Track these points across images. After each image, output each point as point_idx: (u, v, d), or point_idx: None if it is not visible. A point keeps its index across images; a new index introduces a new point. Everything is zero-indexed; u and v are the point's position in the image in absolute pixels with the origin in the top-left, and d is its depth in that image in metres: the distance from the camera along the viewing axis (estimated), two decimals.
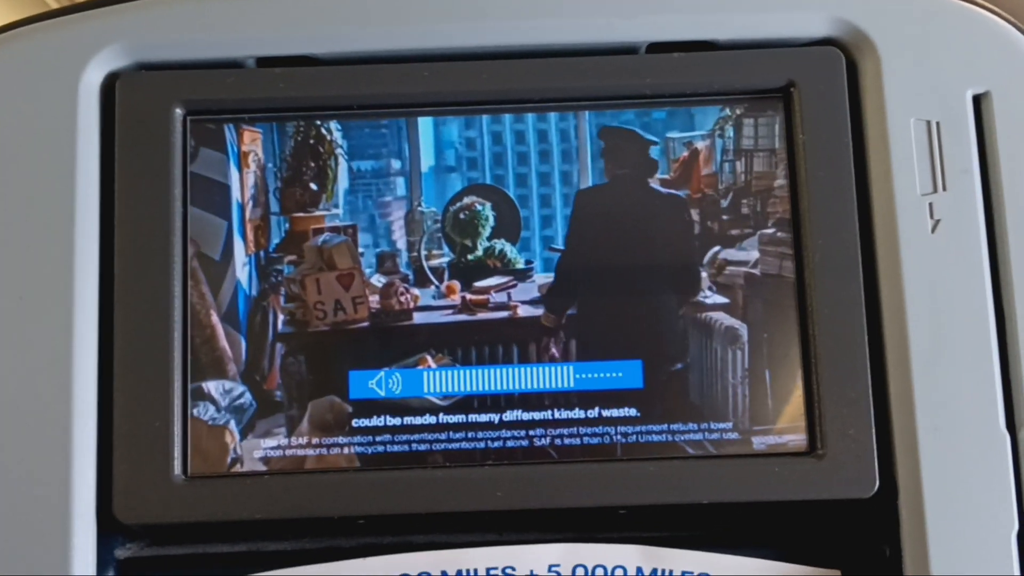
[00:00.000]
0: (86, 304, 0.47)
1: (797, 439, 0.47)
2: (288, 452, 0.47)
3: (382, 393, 0.48)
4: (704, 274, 0.48)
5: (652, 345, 0.48)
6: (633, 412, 0.48)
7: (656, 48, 0.50)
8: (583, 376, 0.48)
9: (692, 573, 0.47)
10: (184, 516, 0.46)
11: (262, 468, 0.47)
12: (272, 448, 0.47)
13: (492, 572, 0.47)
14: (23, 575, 0.45)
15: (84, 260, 0.47)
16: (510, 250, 0.49)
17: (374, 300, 0.48)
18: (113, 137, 0.48)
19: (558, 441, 0.47)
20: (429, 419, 0.48)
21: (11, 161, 0.48)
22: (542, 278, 0.49)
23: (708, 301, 0.48)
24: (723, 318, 0.48)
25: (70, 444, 0.46)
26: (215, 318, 0.48)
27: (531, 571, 0.47)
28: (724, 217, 0.49)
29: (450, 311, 0.48)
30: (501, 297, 0.48)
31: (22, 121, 0.48)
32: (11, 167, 0.48)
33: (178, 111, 0.49)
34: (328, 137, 0.49)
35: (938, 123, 0.48)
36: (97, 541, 0.46)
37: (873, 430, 0.46)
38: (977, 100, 0.49)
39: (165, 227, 0.48)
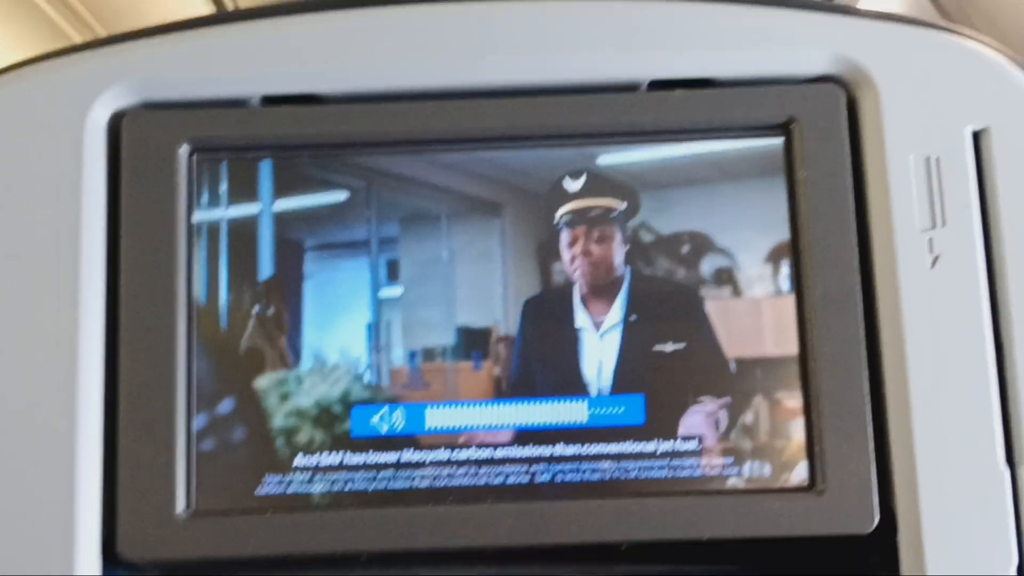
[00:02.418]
0: (91, 340, 0.47)
1: (797, 475, 0.47)
2: (291, 489, 0.48)
3: (384, 429, 0.48)
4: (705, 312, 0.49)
5: (654, 380, 0.48)
6: (634, 447, 0.48)
7: (657, 86, 0.50)
8: (595, 412, 0.48)
9: None
10: (188, 552, 0.47)
11: (266, 504, 0.48)
12: (276, 484, 0.48)
13: None
14: None
15: (89, 296, 0.48)
16: None
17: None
18: (119, 174, 0.49)
19: (559, 477, 0.48)
20: (431, 455, 0.48)
21: (18, 198, 0.48)
22: None
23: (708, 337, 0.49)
24: (722, 353, 0.49)
25: (74, 480, 0.46)
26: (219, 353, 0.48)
27: None
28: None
29: None
30: None
31: (30, 158, 0.48)
32: (18, 204, 0.48)
33: (183, 149, 0.49)
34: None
35: (938, 159, 0.49)
36: None
37: (873, 465, 0.47)
38: (976, 136, 0.49)
39: (170, 264, 0.48)
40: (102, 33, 1.41)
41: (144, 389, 0.47)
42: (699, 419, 0.48)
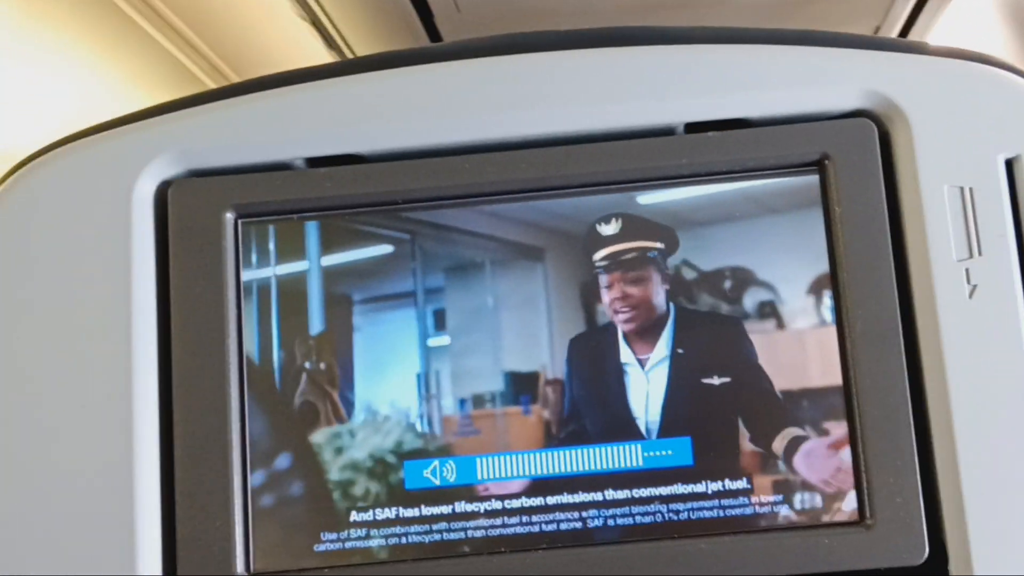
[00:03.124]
0: (146, 406, 0.48)
1: (846, 510, 0.48)
2: (348, 544, 0.48)
3: (437, 482, 0.49)
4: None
5: (702, 415, 0.49)
6: (683, 489, 0.48)
7: (692, 128, 0.51)
8: (648, 455, 0.49)
9: None
10: None
11: (324, 561, 0.48)
12: (333, 540, 0.48)
13: None
14: None
15: (142, 363, 0.48)
16: None
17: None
18: (167, 241, 0.50)
19: (611, 521, 0.48)
20: (484, 505, 0.48)
21: (69, 269, 0.49)
22: None
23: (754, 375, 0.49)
24: (768, 392, 0.49)
25: (135, 546, 0.47)
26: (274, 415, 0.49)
27: None
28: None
29: None
30: None
31: (80, 229, 0.49)
32: (70, 274, 0.49)
33: (229, 215, 0.50)
34: None
35: (971, 189, 0.49)
36: None
37: (921, 497, 0.47)
38: (1009, 164, 0.49)
39: (220, 329, 0.49)
40: (233, 77, 1.45)
41: (199, 451, 0.48)
42: (748, 458, 0.48)
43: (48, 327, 0.48)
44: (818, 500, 0.48)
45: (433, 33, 1.62)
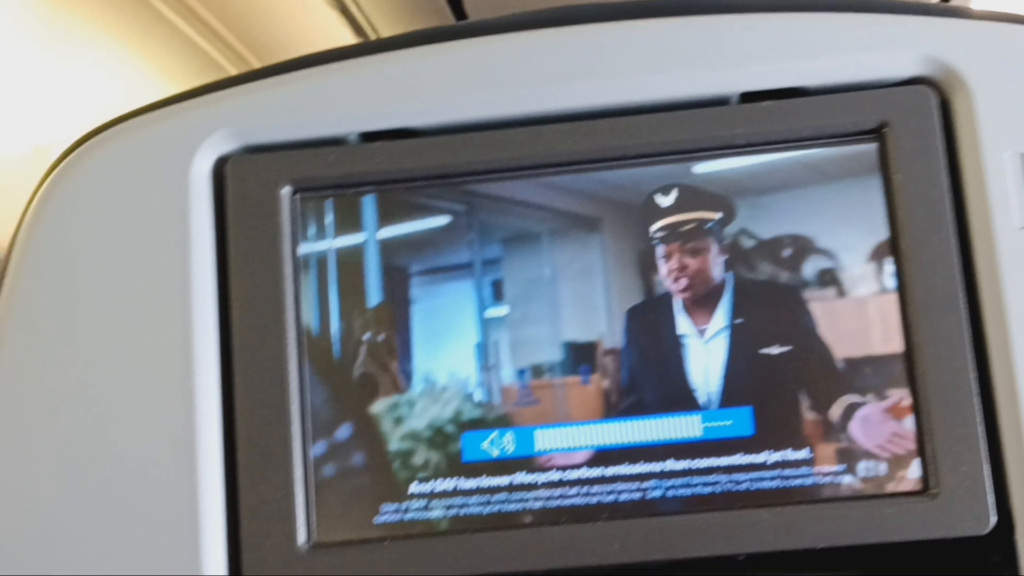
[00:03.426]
0: (207, 379, 0.48)
1: (909, 479, 0.47)
2: (408, 516, 0.48)
3: (495, 453, 0.48)
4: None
5: (762, 385, 0.49)
6: (744, 459, 0.48)
7: (748, 98, 0.50)
8: (708, 425, 0.48)
9: None
10: None
11: (385, 533, 0.48)
12: (393, 512, 0.48)
13: None
14: None
15: (202, 337, 0.48)
16: None
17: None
18: (225, 217, 0.50)
19: (671, 492, 0.48)
20: (543, 476, 0.48)
21: (129, 246, 0.49)
22: None
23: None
24: (829, 353, 0.49)
25: (198, 516, 0.47)
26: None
27: None
28: None
29: None
30: None
31: (138, 207, 0.49)
32: (129, 252, 0.49)
33: (286, 190, 0.50)
34: None
35: None
36: None
37: (987, 465, 0.47)
38: None
39: (279, 302, 0.49)
40: (254, 63, 1.46)
41: (260, 424, 0.48)
42: (810, 428, 0.48)
43: (107, 305, 0.49)
44: (881, 469, 0.48)
45: (461, 18, 1.62)
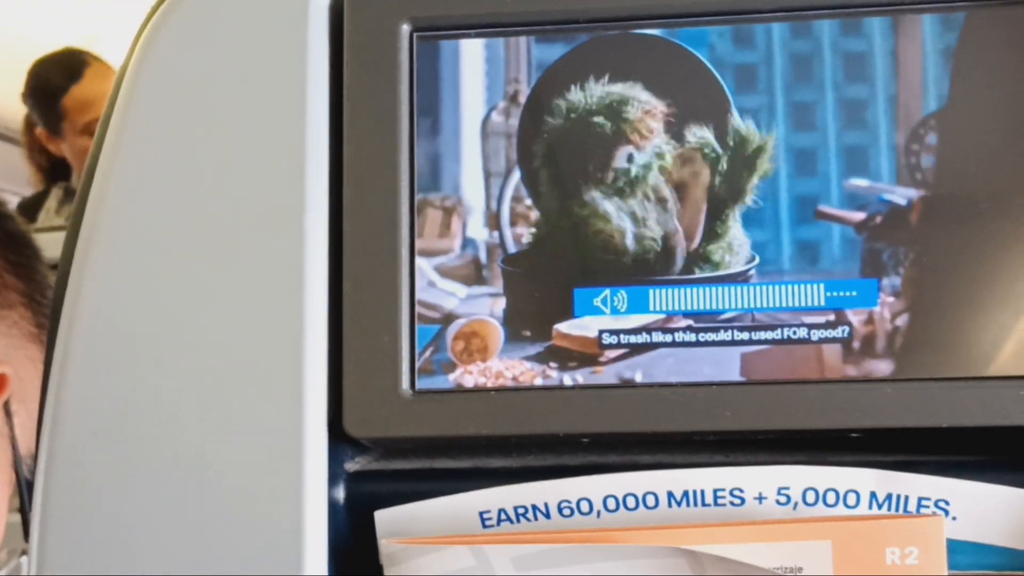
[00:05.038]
0: (316, 221, 0.47)
1: None
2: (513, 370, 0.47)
3: (607, 311, 0.47)
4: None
5: (885, 264, 0.46)
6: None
7: None
8: (832, 295, 0.46)
9: (930, 499, 0.45)
10: (411, 431, 0.47)
11: (489, 384, 0.47)
12: (498, 364, 0.47)
13: (719, 493, 0.46)
14: (257, 486, 0.46)
15: (314, 178, 0.47)
16: None
17: None
18: (342, 55, 0.49)
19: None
20: (655, 337, 0.47)
21: (245, 82, 0.48)
22: None
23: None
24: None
25: (302, 359, 0.46)
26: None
27: (759, 493, 0.46)
28: None
29: None
30: None
31: (255, 43, 0.49)
32: (244, 89, 0.48)
33: (405, 27, 0.49)
34: None
35: None
36: (328, 455, 0.47)
37: None
38: None
39: (393, 144, 0.48)
40: None
41: (368, 271, 0.47)
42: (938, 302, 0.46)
43: (217, 136, 0.48)
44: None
45: None
